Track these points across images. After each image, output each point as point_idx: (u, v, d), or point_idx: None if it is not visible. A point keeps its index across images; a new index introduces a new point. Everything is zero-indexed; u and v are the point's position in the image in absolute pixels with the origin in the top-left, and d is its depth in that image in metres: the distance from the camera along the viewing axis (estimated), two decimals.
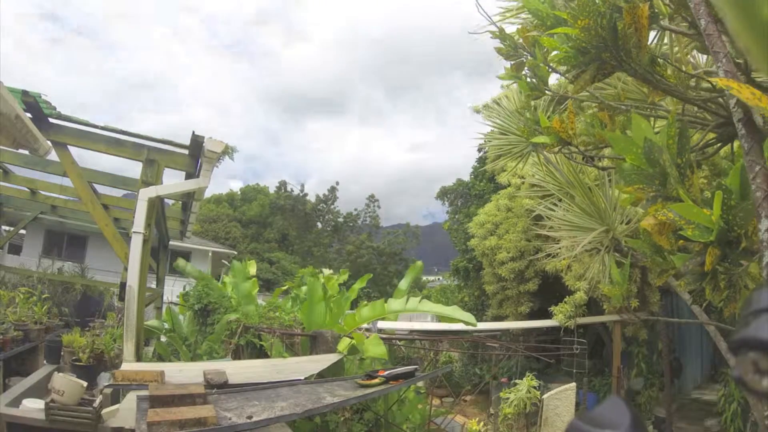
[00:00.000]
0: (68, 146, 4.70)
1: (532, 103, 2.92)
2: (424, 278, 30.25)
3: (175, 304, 8.09)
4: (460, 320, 5.50)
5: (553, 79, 2.97)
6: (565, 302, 7.97)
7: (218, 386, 3.53)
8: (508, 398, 6.20)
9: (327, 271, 7.32)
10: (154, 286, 8.03)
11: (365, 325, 5.95)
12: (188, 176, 5.15)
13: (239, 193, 43.60)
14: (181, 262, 6.67)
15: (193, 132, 4.52)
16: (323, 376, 4.57)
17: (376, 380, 3.97)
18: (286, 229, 36.08)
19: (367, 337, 5.07)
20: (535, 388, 6.17)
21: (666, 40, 2.32)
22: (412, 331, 7.98)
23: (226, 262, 16.92)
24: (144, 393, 3.04)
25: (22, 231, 14.27)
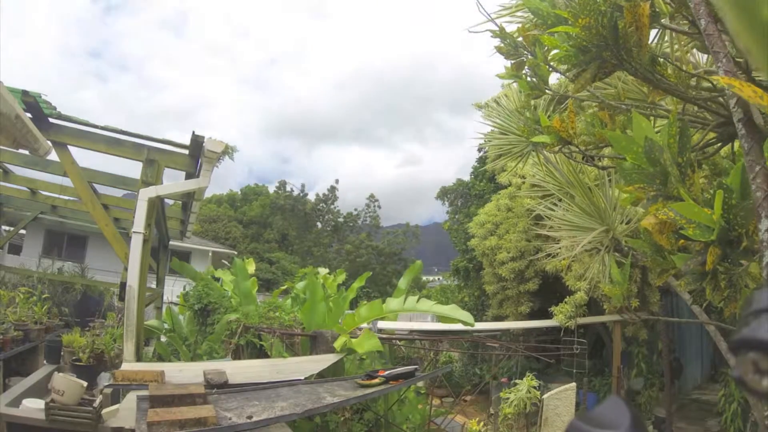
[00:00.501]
0: (68, 146, 4.70)
1: (533, 102, 2.91)
2: (424, 278, 30.26)
3: (175, 304, 8.10)
4: (458, 320, 5.48)
5: (554, 79, 2.97)
6: (565, 302, 7.96)
7: (218, 386, 3.53)
8: (508, 398, 6.19)
9: (323, 271, 7.29)
10: (154, 286, 8.03)
11: (365, 325, 5.95)
12: (188, 176, 5.14)
13: (239, 193, 43.64)
14: (175, 261, 6.68)
15: (193, 132, 4.52)
16: (323, 376, 4.57)
17: (376, 380, 3.97)
18: (286, 229, 36.07)
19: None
20: (535, 388, 6.16)
21: (666, 39, 2.32)
22: (411, 331, 7.97)
23: (226, 263, 16.93)
24: (144, 393, 3.04)
25: (22, 231, 14.26)
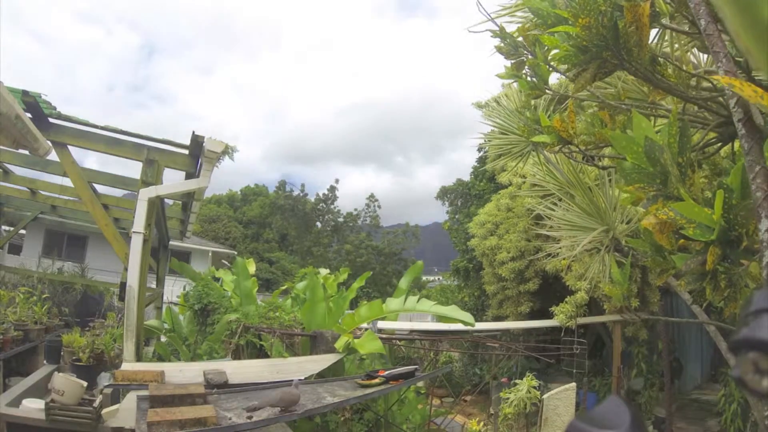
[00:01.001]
0: (68, 146, 4.70)
1: (533, 102, 2.91)
2: (424, 278, 30.24)
3: (175, 304, 8.09)
4: (459, 320, 5.48)
5: (554, 79, 2.97)
6: (566, 302, 7.96)
7: (218, 386, 3.53)
8: (508, 398, 6.19)
9: (324, 271, 7.28)
10: (154, 286, 8.03)
11: (364, 325, 5.95)
12: (188, 176, 5.14)
13: (239, 193, 43.65)
14: (175, 262, 6.69)
15: (193, 132, 4.52)
16: (323, 376, 4.57)
17: (376, 380, 3.97)
18: (286, 229, 36.04)
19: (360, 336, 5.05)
20: (535, 388, 6.15)
21: (667, 39, 2.32)
22: (411, 331, 7.97)
23: (226, 263, 16.92)
24: (144, 393, 3.04)
25: (22, 231, 14.26)
